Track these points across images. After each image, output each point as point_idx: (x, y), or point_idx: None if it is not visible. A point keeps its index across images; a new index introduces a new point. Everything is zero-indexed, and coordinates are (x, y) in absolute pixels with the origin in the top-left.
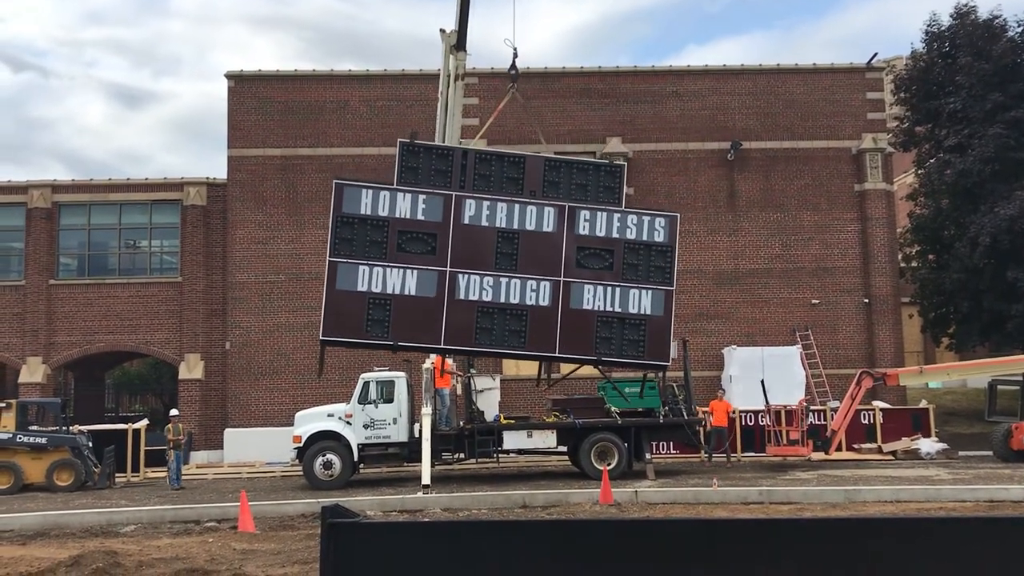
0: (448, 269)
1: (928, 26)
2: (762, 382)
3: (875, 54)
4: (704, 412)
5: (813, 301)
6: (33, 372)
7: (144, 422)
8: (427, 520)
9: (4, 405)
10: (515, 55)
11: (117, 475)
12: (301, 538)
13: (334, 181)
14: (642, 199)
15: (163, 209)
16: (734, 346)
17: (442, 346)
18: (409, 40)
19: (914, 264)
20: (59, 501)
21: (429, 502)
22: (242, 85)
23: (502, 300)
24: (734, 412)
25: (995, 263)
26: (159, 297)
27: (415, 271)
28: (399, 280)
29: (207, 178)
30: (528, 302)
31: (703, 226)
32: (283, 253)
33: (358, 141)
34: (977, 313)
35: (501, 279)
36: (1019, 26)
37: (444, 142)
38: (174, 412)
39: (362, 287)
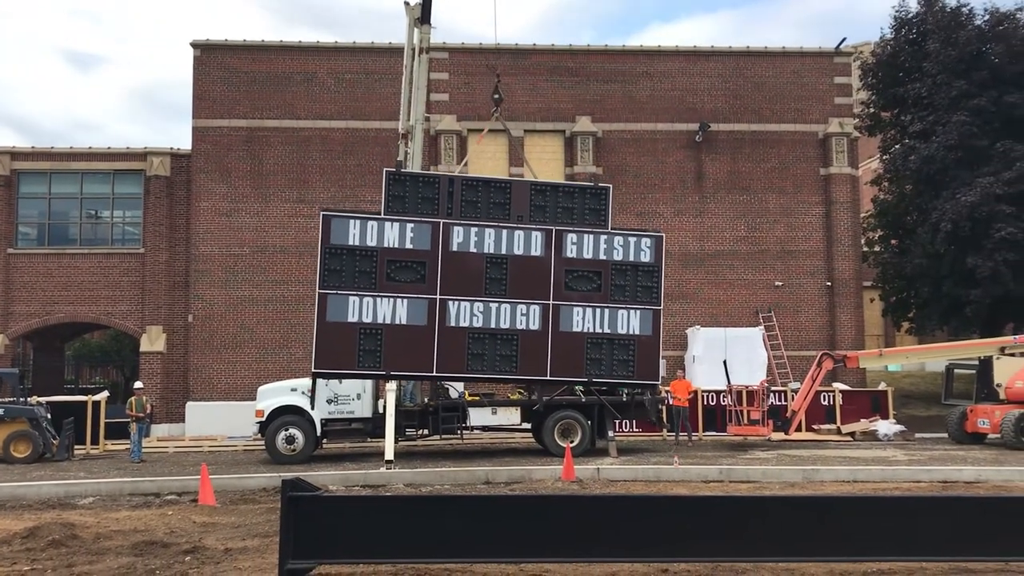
0: (438, 297)
1: (896, 11)
2: (725, 362)
3: (843, 39)
4: (665, 391)
5: (776, 283)
6: None
7: (104, 394)
8: (387, 494)
9: None
10: (498, 79)
11: (76, 447)
12: (262, 512)
13: (321, 213)
14: (611, 179)
15: (126, 179)
16: (698, 326)
17: (434, 373)
18: (372, 12)
19: (876, 249)
20: (16, 473)
21: (392, 477)
22: (208, 54)
23: (493, 325)
24: (690, 394)
25: (955, 249)
26: (121, 268)
27: (405, 300)
28: (389, 309)
29: (171, 148)
30: (518, 326)
31: (670, 207)
32: (247, 226)
33: (325, 114)
34: (937, 298)
35: (491, 304)
36: (986, 14)
37: (409, 117)
38: (137, 385)
39: (353, 318)
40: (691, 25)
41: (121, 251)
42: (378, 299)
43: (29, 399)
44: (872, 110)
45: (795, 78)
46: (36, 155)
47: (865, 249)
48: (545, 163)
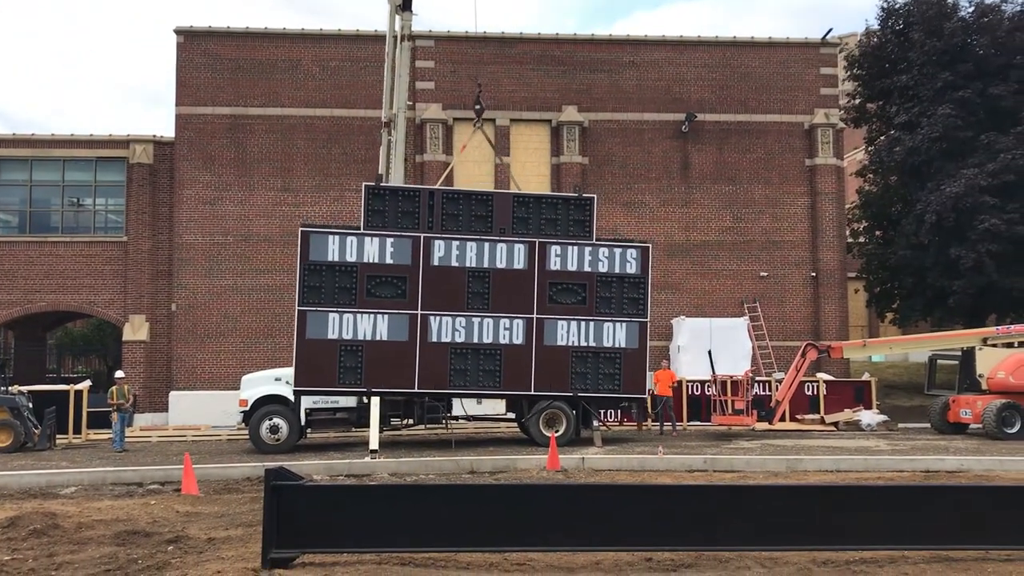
0: (419, 312)
1: (883, 1)
2: (709, 352)
3: (830, 29)
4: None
5: (762, 274)
6: None
7: (87, 383)
8: (371, 484)
9: None
10: (479, 90)
11: (58, 437)
12: (245, 501)
13: (300, 229)
14: (597, 169)
15: (108, 167)
16: (683, 316)
17: (416, 390)
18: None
19: (861, 240)
20: None
21: (377, 467)
22: (191, 41)
23: (475, 340)
24: (674, 383)
25: (939, 240)
26: (103, 257)
27: (386, 316)
28: (370, 325)
29: (154, 136)
30: (502, 341)
31: (656, 197)
32: (231, 214)
33: (310, 102)
34: (921, 289)
35: (473, 319)
36: (971, 5)
37: (391, 106)
38: (119, 374)
39: (333, 335)
40: (675, 12)
41: (104, 239)
42: (358, 315)
43: (10, 388)
44: (858, 101)
45: (781, 68)
46: (16, 142)
47: (850, 240)
48: (532, 152)
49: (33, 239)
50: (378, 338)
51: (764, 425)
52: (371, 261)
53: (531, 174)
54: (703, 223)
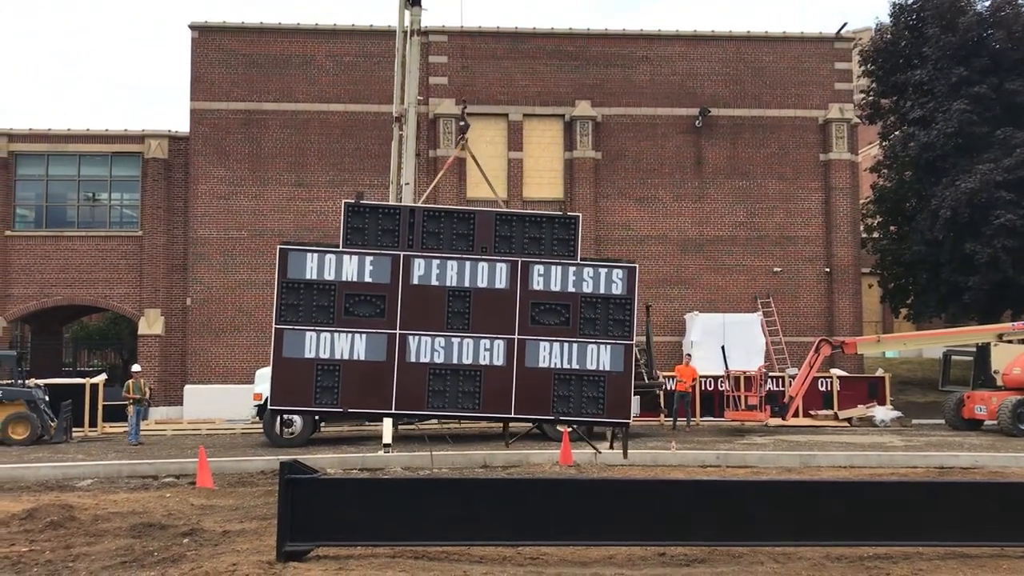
0: (398, 332)
1: None
2: (722, 348)
3: (844, 24)
4: (670, 376)
5: (775, 269)
6: None
7: (102, 377)
8: (385, 477)
9: None
10: (464, 108)
11: (74, 430)
12: (260, 494)
13: (278, 246)
14: (610, 164)
15: (123, 161)
16: (696, 312)
17: (393, 411)
18: None
19: (875, 235)
20: (14, 455)
21: (390, 461)
22: (206, 36)
23: (455, 361)
24: (694, 380)
25: (954, 236)
26: (119, 251)
27: (363, 335)
28: (347, 345)
29: (169, 131)
30: (482, 362)
31: (669, 192)
32: (246, 209)
33: (324, 97)
34: (935, 284)
35: (453, 339)
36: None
37: (403, 101)
38: (135, 368)
39: (309, 354)
40: (684, 2)
41: (119, 234)
42: (335, 334)
43: (27, 381)
44: (872, 97)
45: (795, 63)
46: (33, 137)
47: (864, 236)
48: (544, 147)
49: (49, 234)
50: (355, 358)
51: (777, 421)
52: (349, 279)
53: (544, 169)
54: (716, 218)
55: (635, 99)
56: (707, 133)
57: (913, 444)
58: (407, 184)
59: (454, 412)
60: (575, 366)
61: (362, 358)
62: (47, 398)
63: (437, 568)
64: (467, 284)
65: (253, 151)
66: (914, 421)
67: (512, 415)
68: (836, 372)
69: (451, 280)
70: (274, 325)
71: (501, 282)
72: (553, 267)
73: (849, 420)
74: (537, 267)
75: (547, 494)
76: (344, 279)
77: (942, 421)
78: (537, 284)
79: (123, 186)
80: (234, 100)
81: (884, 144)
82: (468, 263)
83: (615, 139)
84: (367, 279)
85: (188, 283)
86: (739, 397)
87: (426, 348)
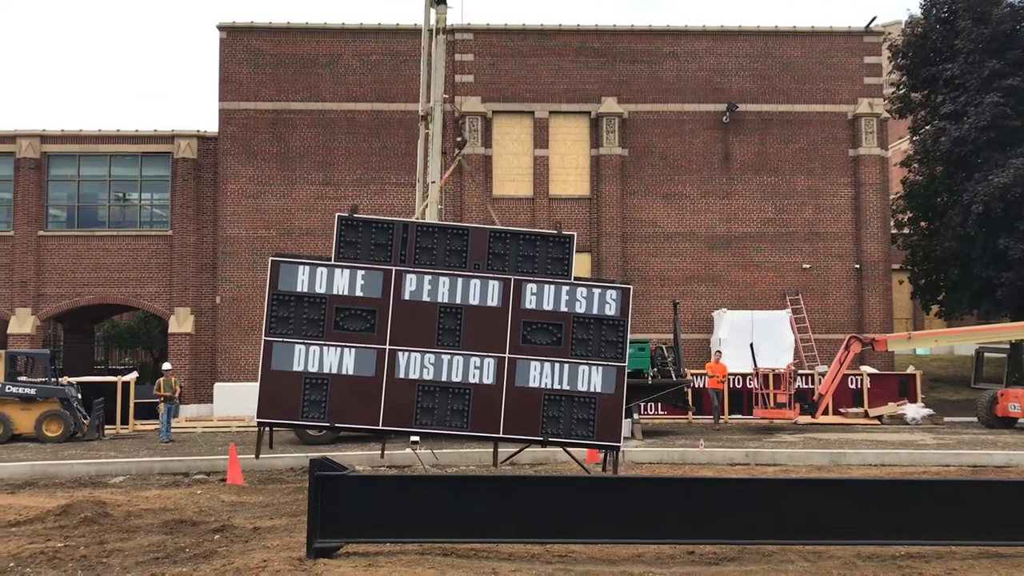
0: (387, 347)
1: None
2: (751, 345)
3: (873, 17)
4: (698, 374)
5: (804, 266)
6: (22, 323)
7: (134, 375)
8: (413, 474)
9: None
10: (463, 123)
11: (106, 427)
12: (290, 491)
13: (270, 259)
14: (636, 160)
15: (153, 161)
16: (724, 309)
17: (380, 427)
18: None
19: (906, 231)
20: (48, 452)
21: (418, 458)
22: (234, 37)
23: (444, 378)
24: (725, 377)
25: (987, 231)
26: (149, 250)
27: (353, 349)
28: (336, 359)
29: (198, 131)
30: (471, 380)
31: (696, 189)
32: (274, 208)
33: (351, 96)
34: (967, 281)
35: (443, 356)
36: None
37: (429, 99)
38: (166, 366)
39: (298, 367)
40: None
41: (149, 233)
42: (325, 348)
43: (60, 380)
44: (902, 91)
45: (824, 58)
46: (65, 138)
47: (894, 231)
48: (570, 145)
49: (81, 233)
50: (344, 372)
51: (807, 419)
52: (341, 293)
53: (570, 167)
54: (744, 215)
55: (662, 95)
56: (735, 129)
57: (945, 442)
58: (433, 182)
59: (442, 430)
60: (566, 387)
61: (351, 373)
62: (80, 396)
63: (466, 565)
64: (459, 301)
65: (281, 150)
66: (946, 419)
67: (500, 435)
68: (866, 369)
69: (443, 296)
70: (263, 337)
71: (493, 300)
72: (546, 286)
73: (879, 418)
74: (530, 286)
75: (575, 491)
76: (335, 292)
77: (975, 419)
78: (529, 303)
79: (153, 186)
80: (262, 100)
81: (915, 139)
82: (460, 280)
83: (642, 135)
84: (358, 293)
85: (217, 282)
86: (768, 395)
87: (415, 364)
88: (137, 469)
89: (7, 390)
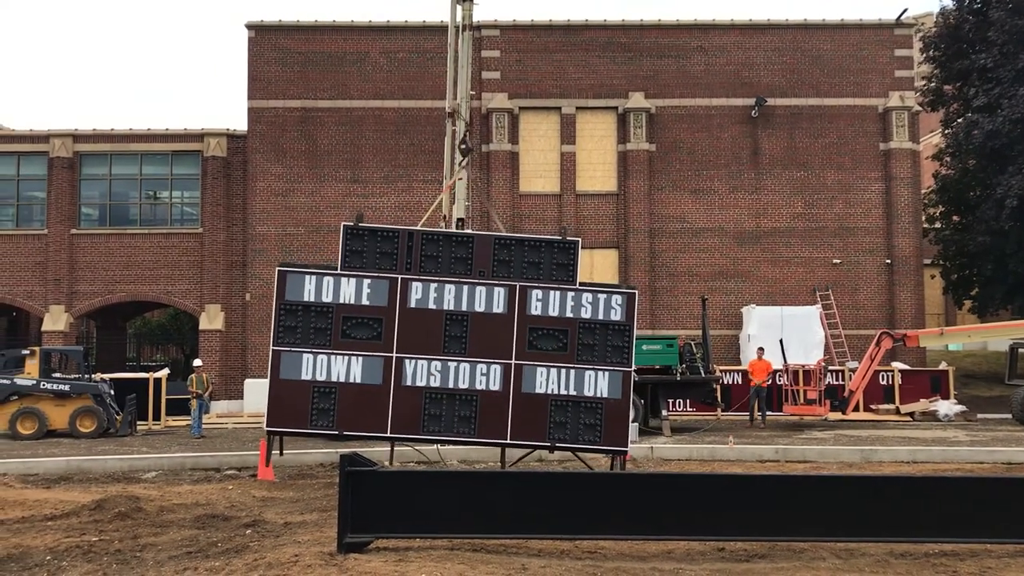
0: (394, 355)
1: None
2: (780, 341)
3: (904, 9)
4: (728, 370)
5: (834, 261)
6: (56, 320)
7: (165, 371)
8: (442, 470)
9: (28, 352)
10: (467, 129)
11: (139, 423)
12: (320, 487)
13: (277, 268)
14: (664, 156)
15: (184, 160)
16: (753, 305)
17: (389, 434)
18: None
19: (938, 225)
20: (82, 447)
21: (446, 453)
22: (262, 35)
23: (451, 385)
24: (769, 375)
25: (1021, 225)
26: (180, 248)
27: (360, 358)
28: (344, 367)
29: (227, 129)
30: (478, 386)
31: (725, 184)
32: (302, 206)
33: (378, 94)
34: (1001, 276)
35: (449, 363)
36: None
37: (456, 96)
38: (197, 362)
39: (306, 376)
40: None
41: (180, 231)
42: (332, 357)
43: (93, 376)
44: (934, 84)
45: (854, 51)
46: (97, 137)
47: (926, 226)
48: (597, 140)
49: (113, 231)
50: (352, 380)
51: (837, 415)
52: (347, 302)
53: (597, 162)
54: (774, 210)
55: (690, 90)
56: (763, 123)
57: (978, 439)
58: (460, 179)
59: (450, 436)
60: (572, 392)
61: (358, 381)
62: (112, 392)
63: (495, 560)
64: (464, 308)
65: (309, 148)
66: (979, 416)
67: (508, 441)
68: (898, 365)
69: (449, 304)
70: (271, 347)
71: (499, 306)
72: (551, 292)
73: (911, 414)
74: (535, 292)
75: (604, 488)
76: (342, 301)
77: (1009, 416)
78: (535, 309)
79: (183, 184)
80: (290, 98)
81: (947, 132)
82: (466, 287)
83: (669, 131)
84: (364, 302)
85: (247, 279)
86: (798, 391)
87: (422, 372)
88: (169, 465)
89: (42, 386)
